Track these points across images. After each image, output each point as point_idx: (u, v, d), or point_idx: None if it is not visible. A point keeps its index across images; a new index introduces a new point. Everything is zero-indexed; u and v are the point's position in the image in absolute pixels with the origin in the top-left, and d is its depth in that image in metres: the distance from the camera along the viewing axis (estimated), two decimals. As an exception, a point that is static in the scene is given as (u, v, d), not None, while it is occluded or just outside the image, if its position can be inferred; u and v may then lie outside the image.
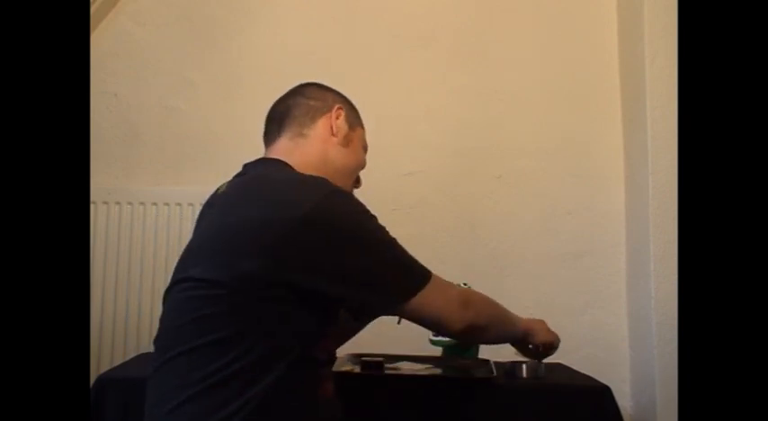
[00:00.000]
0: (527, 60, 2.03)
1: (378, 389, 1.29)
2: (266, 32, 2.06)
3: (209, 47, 2.06)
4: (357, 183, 1.18)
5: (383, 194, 1.91)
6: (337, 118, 1.13)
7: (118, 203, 1.92)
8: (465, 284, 1.34)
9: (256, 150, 1.15)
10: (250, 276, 0.91)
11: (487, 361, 1.43)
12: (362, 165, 1.19)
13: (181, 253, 1.03)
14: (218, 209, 1.04)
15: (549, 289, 1.92)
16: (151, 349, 1.02)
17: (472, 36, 2.06)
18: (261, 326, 0.91)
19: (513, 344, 1.29)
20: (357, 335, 1.22)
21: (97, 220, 1.90)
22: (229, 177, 1.09)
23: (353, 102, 1.21)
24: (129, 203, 1.92)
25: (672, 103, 1.74)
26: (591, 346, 1.88)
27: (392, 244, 1.00)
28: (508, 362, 1.37)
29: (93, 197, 1.89)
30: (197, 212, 1.19)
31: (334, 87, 1.20)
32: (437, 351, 1.51)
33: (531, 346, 1.28)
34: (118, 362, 1.78)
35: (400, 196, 1.97)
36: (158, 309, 1.02)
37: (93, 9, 1.97)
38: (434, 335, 1.36)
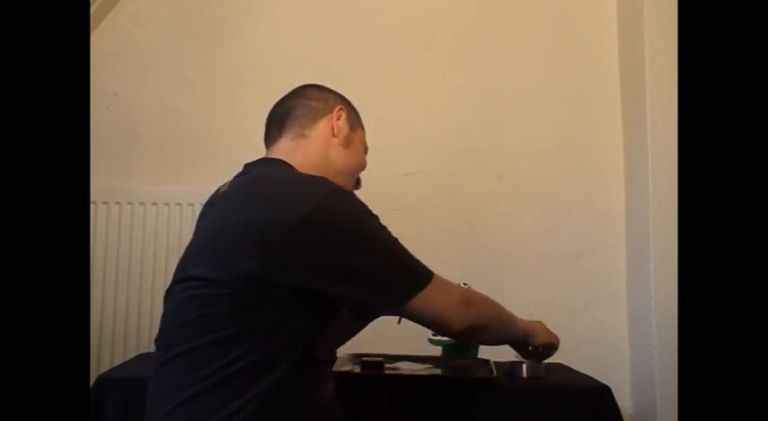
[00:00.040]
0: (527, 60, 2.03)
1: (378, 389, 1.29)
2: (266, 32, 2.06)
3: (209, 47, 2.06)
4: (357, 184, 1.19)
5: (383, 194, 1.91)
6: (338, 119, 1.14)
7: (118, 203, 1.92)
8: (465, 284, 1.34)
9: (256, 150, 1.15)
10: (251, 276, 0.91)
11: (487, 361, 1.43)
12: (363, 166, 1.19)
13: (181, 253, 1.03)
14: (219, 208, 1.04)
15: (549, 289, 1.92)
16: (151, 349, 1.03)
17: (472, 36, 2.06)
18: (262, 325, 0.91)
19: (512, 346, 1.29)
20: (357, 335, 1.22)
21: (97, 220, 1.90)
22: (229, 177, 1.09)
23: (354, 102, 1.21)
24: (129, 203, 1.92)
25: (672, 103, 1.74)
26: (591, 346, 1.88)
27: (394, 244, 1.00)
28: (508, 362, 1.37)
29: (93, 197, 1.89)
30: (197, 212, 1.19)
31: (334, 87, 1.20)
32: (437, 351, 1.51)
33: (530, 348, 1.29)
34: (118, 362, 1.78)
35: (400, 196, 1.97)
36: (158, 309, 1.03)
37: (93, 9, 1.97)
38: (433, 335, 1.36)
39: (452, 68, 2.04)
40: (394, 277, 0.99)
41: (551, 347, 1.30)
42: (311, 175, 1.01)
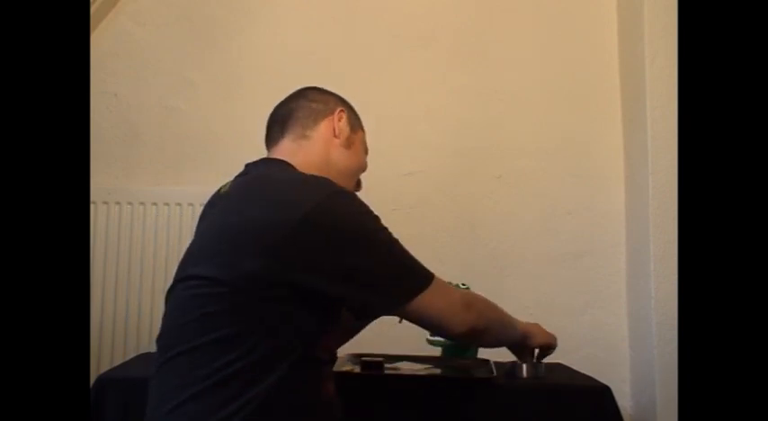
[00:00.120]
0: (527, 60, 2.03)
1: (378, 389, 1.29)
2: (266, 32, 2.06)
3: (209, 47, 2.06)
4: (358, 185, 1.19)
5: (383, 194, 1.90)
6: (339, 120, 1.14)
7: (118, 203, 1.92)
8: (464, 285, 1.34)
9: (256, 150, 1.15)
10: (252, 276, 0.91)
11: (487, 361, 1.43)
12: (364, 168, 1.20)
13: (181, 253, 1.03)
14: (220, 208, 1.04)
15: (549, 289, 1.92)
16: (151, 349, 1.03)
17: (472, 36, 2.06)
18: (263, 325, 0.91)
19: (510, 348, 1.29)
20: (357, 335, 1.22)
21: (97, 220, 1.90)
22: (229, 177, 1.09)
23: (354, 102, 1.21)
24: (129, 203, 1.92)
25: (672, 103, 1.74)
26: (591, 346, 1.88)
27: (395, 245, 1.00)
28: (508, 362, 1.37)
29: (93, 197, 1.89)
30: (197, 212, 1.19)
31: (334, 87, 1.20)
32: (437, 351, 1.51)
33: (528, 349, 1.29)
34: (118, 362, 1.78)
35: (400, 196, 1.97)
36: (158, 309, 1.03)
37: (93, 9, 1.97)
38: (432, 335, 1.36)
39: (452, 68, 2.04)
40: (394, 278, 0.99)
41: (549, 348, 1.31)
42: (313, 175, 1.02)
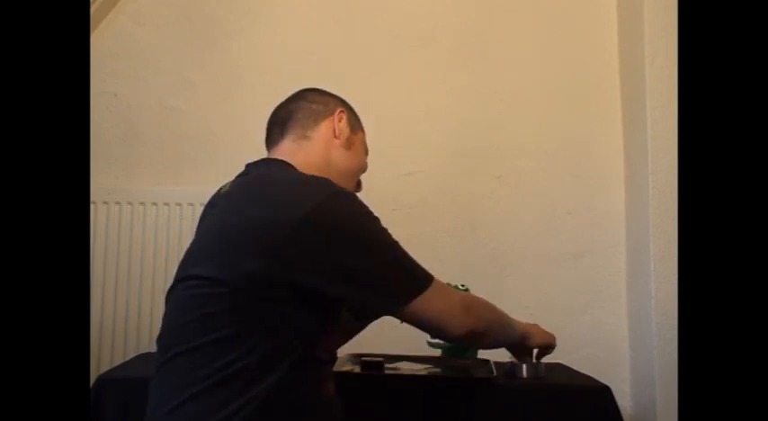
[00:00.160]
0: (527, 60, 2.03)
1: (378, 389, 1.29)
2: (266, 32, 2.06)
3: (209, 47, 2.06)
4: (358, 186, 1.19)
5: (383, 194, 1.91)
6: (339, 121, 1.14)
7: (118, 203, 1.92)
8: (462, 286, 1.34)
9: (256, 150, 1.15)
10: (252, 276, 0.91)
11: (487, 361, 1.43)
12: (364, 168, 1.20)
13: (181, 253, 1.03)
14: (220, 208, 1.04)
15: (549, 289, 1.92)
16: (151, 349, 1.03)
17: (472, 36, 2.06)
18: (263, 325, 0.91)
19: (509, 349, 1.29)
20: (357, 336, 1.22)
21: (97, 220, 1.90)
22: (229, 177, 1.09)
23: (354, 102, 1.21)
24: (129, 203, 1.92)
25: (672, 103, 1.74)
26: (591, 346, 1.88)
27: (394, 246, 1.00)
28: (508, 362, 1.37)
29: (93, 197, 1.89)
30: (197, 212, 1.19)
31: (334, 88, 1.20)
32: (437, 351, 1.51)
33: (527, 350, 1.29)
34: (118, 362, 1.78)
35: (400, 196, 1.97)
36: (158, 309, 1.03)
37: (93, 9, 1.97)
38: (432, 338, 1.35)
39: (452, 68, 2.04)
40: (394, 279, 0.99)
41: (548, 348, 1.31)
42: (313, 176, 1.02)
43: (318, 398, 1.00)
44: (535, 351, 1.32)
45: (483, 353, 1.47)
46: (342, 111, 1.16)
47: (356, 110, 1.22)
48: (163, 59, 2.05)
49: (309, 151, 1.11)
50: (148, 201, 1.93)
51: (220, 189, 1.10)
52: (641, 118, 1.80)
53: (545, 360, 1.34)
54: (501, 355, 1.38)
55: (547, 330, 1.31)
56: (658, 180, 1.74)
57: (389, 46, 2.05)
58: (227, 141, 1.99)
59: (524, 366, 1.33)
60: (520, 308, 1.81)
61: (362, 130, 1.21)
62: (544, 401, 1.28)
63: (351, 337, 1.21)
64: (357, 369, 1.38)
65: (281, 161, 1.08)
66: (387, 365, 1.39)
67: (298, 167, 1.06)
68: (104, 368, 1.70)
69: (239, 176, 1.09)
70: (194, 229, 1.13)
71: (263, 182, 1.03)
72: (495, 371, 1.36)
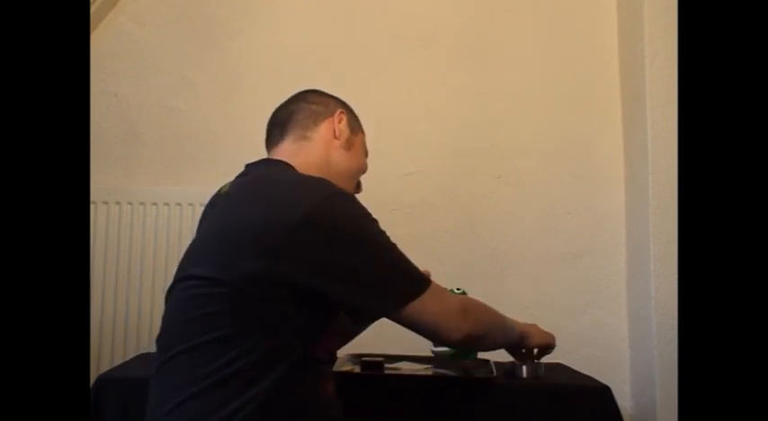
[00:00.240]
0: (527, 60, 2.03)
1: (378, 389, 1.29)
2: (266, 32, 2.06)
3: (209, 47, 2.06)
4: (358, 187, 1.19)
5: (383, 194, 1.91)
6: (340, 122, 1.15)
7: (118, 203, 1.92)
8: (458, 290, 1.33)
9: (256, 150, 1.15)
10: (252, 276, 0.91)
11: (487, 361, 1.43)
12: (364, 169, 1.20)
13: (181, 253, 1.03)
14: (220, 209, 1.04)
15: (549, 289, 1.92)
16: (151, 349, 1.03)
17: (472, 36, 2.06)
18: (263, 325, 0.91)
19: (507, 349, 1.29)
20: (357, 336, 1.22)
21: (97, 220, 1.90)
22: (229, 177, 1.10)
23: (354, 102, 1.21)
24: (129, 203, 1.92)
25: (672, 103, 1.74)
26: (591, 346, 1.88)
27: (393, 248, 1.00)
28: (508, 362, 1.37)
29: (93, 197, 1.89)
30: (197, 212, 1.19)
31: (334, 88, 1.21)
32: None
33: (524, 351, 1.30)
34: (118, 362, 1.78)
35: (400, 196, 1.97)
36: (158, 309, 1.03)
37: (93, 9, 1.97)
38: (435, 346, 1.35)
39: (452, 68, 2.04)
40: (392, 281, 0.99)
41: (548, 347, 1.31)
42: (312, 176, 1.02)
43: (318, 398, 1.00)
44: (535, 351, 1.32)
45: (483, 354, 1.47)
46: (342, 112, 1.16)
47: (356, 110, 1.22)
48: (163, 59, 2.05)
49: (309, 152, 1.11)
50: (148, 201, 1.92)
51: (220, 189, 1.10)
52: (641, 118, 1.80)
53: (545, 360, 1.34)
54: (501, 356, 1.38)
55: (546, 330, 1.31)
56: (658, 180, 1.74)
57: (389, 46, 2.05)
58: (227, 141, 1.99)
59: (524, 366, 1.33)
60: (520, 308, 1.81)
61: (362, 132, 1.21)
62: (544, 401, 1.28)
63: (349, 340, 1.21)
64: (357, 369, 1.38)
65: (281, 162, 1.08)
66: (387, 365, 1.39)
67: (297, 168, 1.06)
68: (104, 368, 1.70)
69: (239, 177, 1.09)
70: (194, 229, 1.13)
71: (263, 182, 1.03)
72: (495, 371, 1.36)
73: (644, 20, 1.80)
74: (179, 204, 1.92)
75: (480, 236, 1.97)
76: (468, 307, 1.09)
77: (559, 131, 2.00)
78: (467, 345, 1.19)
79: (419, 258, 1.04)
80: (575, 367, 1.53)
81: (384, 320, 1.08)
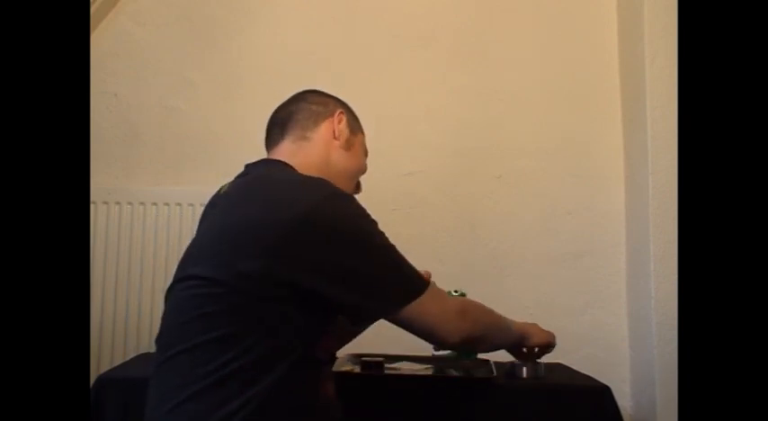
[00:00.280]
0: (527, 60, 2.03)
1: (378, 389, 1.29)
2: (266, 32, 2.06)
3: (209, 47, 2.06)
4: (357, 188, 1.19)
5: (383, 194, 1.91)
6: (339, 122, 1.14)
7: (118, 203, 1.92)
8: (456, 292, 1.32)
9: (256, 150, 1.15)
10: (251, 276, 0.91)
11: (487, 361, 1.43)
12: (363, 170, 1.20)
13: (181, 253, 1.03)
14: (220, 209, 1.04)
15: (549, 289, 1.92)
16: (151, 349, 1.03)
17: (472, 36, 2.06)
18: (262, 325, 0.91)
19: (508, 350, 1.29)
20: (357, 336, 1.22)
21: (97, 220, 1.90)
22: (229, 177, 1.10)
23: (354, 102, 1.21)
24: (129, 203, 1.92)
25: (672, 103, 1.74)
26: (591, 346, 1.88)
27: (392, 249, 1.00)
28: (508, 362, 1.37)
29: (93, 197, 1.89)
30: (197, 212, 1.19)
31: (334, 88, 1.21)
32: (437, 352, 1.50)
33: (525, 350, 1.29)
34: (118, 362, 1.78)
35: (400, 196, 1.97)
36: (158, 309, 1.03)
37: (93, 9, 1.97)
38: (436, 350, 1.35)
39: (452, 68, 2.04)
40: (391, 282, 0.99)
41: (548, 346, 1.30)
42: (311, 177, 1.02)
43: (318, 398, 1.00)
44: (535, 350, 1.32)
45: (483, 354, 1.47)
46: (341, 112, 1.16)
47: (356, 110, 1.22)
48: (163, 59, 2.05)
49: (309, 152, 1.11)
50: (148, 201, 1.92)
51: (220, 189, 1.10)
52: (641, 118, 1.80)
53: (545, 359, 1.34)
54: (501, 356, 1.38)
55: (546, 329, 1.31)
56: (658, 180, 1.74)
57: (389, 46, 2.05)
58: (227, 141, 1.99)
59: (524, 367, 1.33)
60: (520, 308, 1.81)
61: (362, 132, 1.21)
62: (544, 401, 1.28)
63: (349, 341, 1.21)
64: (357, 369, 1.38)
65: (280, 162, 1.08)
66: (387, 365, 1.39)
67: (297, 168, 1.06)
68: (104, 368, 1.70)
69: (239, 177, 1.09)
70: (194, 229, 1.13)
71: (263, 182, 1.03)
72: (495, 371, 1.36)
73: (644, 20, 1.80)
74: (179, 204, 1.92)
75: (480, 236, 1.97)
76: (467, 309, 1.08)
77: (559, 131, 2.00)
78: (465, 347, 1.19)
79: (419, 258, 1.04)
80: (575, 367, 1.53)
81: (384, 321, 1.08)
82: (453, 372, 1.44)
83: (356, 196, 1.14)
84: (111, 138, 2.02)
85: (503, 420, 1.27)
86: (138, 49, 2.06)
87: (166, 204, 1.92)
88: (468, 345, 1.12)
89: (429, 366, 1.45)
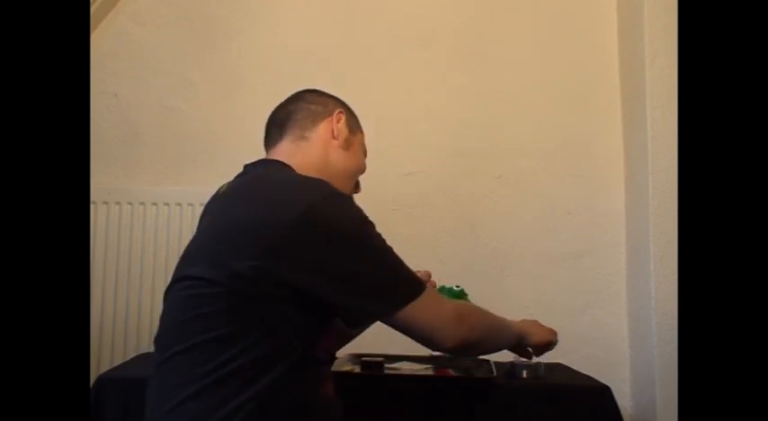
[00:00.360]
0: (527, 60, 2.03)
1: (378, 389, 1.29)
2: (266, 32, 2.06)
3: (209, 47, 2.06)
4: (356, 187, 1.19)
5: (383, 194, 1.92)
6: (338, 121, 1.14)
7: (118, 203, 1.92)
8: (457, 287, 1.32)
9: (256, 150, 1.15)
10: (250, 276, 0.91)
11: (487, 361, 1.44)
12: (362, 169, 1.19)
13: (181, 253, 1.03)
14: (218, 209, 1.04)
15: (549, 289, 1.92)
16: (151, 349, 1.03)
17: (472, 36, 2.06)
18: (262, 325, 0.91)
19: (509, 349, 1.28)
20: (353, 339, 1.22)
21: (97, 220, 1.90)
22: (229, 177, 1.10)
23: (354, 102, 1.21)
24: (129, 203, 1.92)
25: (672, 103, 1.74)
26: (591, 346, 1.88)
27: (389, 251, 0.99)
28: (508, 362, 1.37)
29: (93, 197, 1.89)
30: (197, 212, 1.19)
31: (334, 88, 1.20)
32: (437, 352, 1.50)
33: (529, 349, 1.29)
34: (118, 362, 1.78)
35: (400, 196, 1.97)
36: (158, 309, 1.03)
37: (93, 9, 1.97)
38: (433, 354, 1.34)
39: (452, 68, 2.04)
40: (389, 283, 0.98)
41: (549, 344, 1.29)
42: (309, 177, 1.02)
43: (317, 398, 1.00)
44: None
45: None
46: (340, 111, 1.15)
47: (356, 110, 1.21)
48: (163, 59, 2.06)
49: (307, 152, 1.11)
50: (148, 201, 1.93)
51: (219, 189, 1.10)
52: (641, 118, 1.80)
53: (545, 359, 1.34)
54: (501, 355, 1.38)
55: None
56: (658, 180, 1.74)
57: (389, 46, 2.05)
58: (227, 141, 1.99)
59: (524, 368, 1.33)
60: (520, 308, 1.81)
61: (361, 132, 1.20)
62: (544, 401, 1.28)
63: (347, 342, 1.20)
64: (357, 369, 1.38)
65: (279, 162, 1.08)
66: (387, 365, 1.40)
67: (296, 168, 1.06)
68: (104, 368, 1.70)
69: (238, 177, 1.09)
70: (194, 229, 1.13)
71: (261, 182, 1.02)
72: (495, 371, 1.37)
73: (644, 20, 1.80)
74: (179, 204, 1.92)
75: (480, 236, 1.97)
76: (463, 313, 1.06)
77: (559, 131, 2.00)
78: (461, 352, 1.18)
79: (419, 258, 1.04)
80: (575, 367, 1.53)
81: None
82: (453, 372, 1.44)
83: (355, 196, 1.15)
84: (111, 138, 2.02)
85: (503, 420, 1.27)
86: (138, 49, 2.06)
87: (166, 204, 1.92)
88: (465, 350, 1.10)
89: (429, 366, 1.45)
